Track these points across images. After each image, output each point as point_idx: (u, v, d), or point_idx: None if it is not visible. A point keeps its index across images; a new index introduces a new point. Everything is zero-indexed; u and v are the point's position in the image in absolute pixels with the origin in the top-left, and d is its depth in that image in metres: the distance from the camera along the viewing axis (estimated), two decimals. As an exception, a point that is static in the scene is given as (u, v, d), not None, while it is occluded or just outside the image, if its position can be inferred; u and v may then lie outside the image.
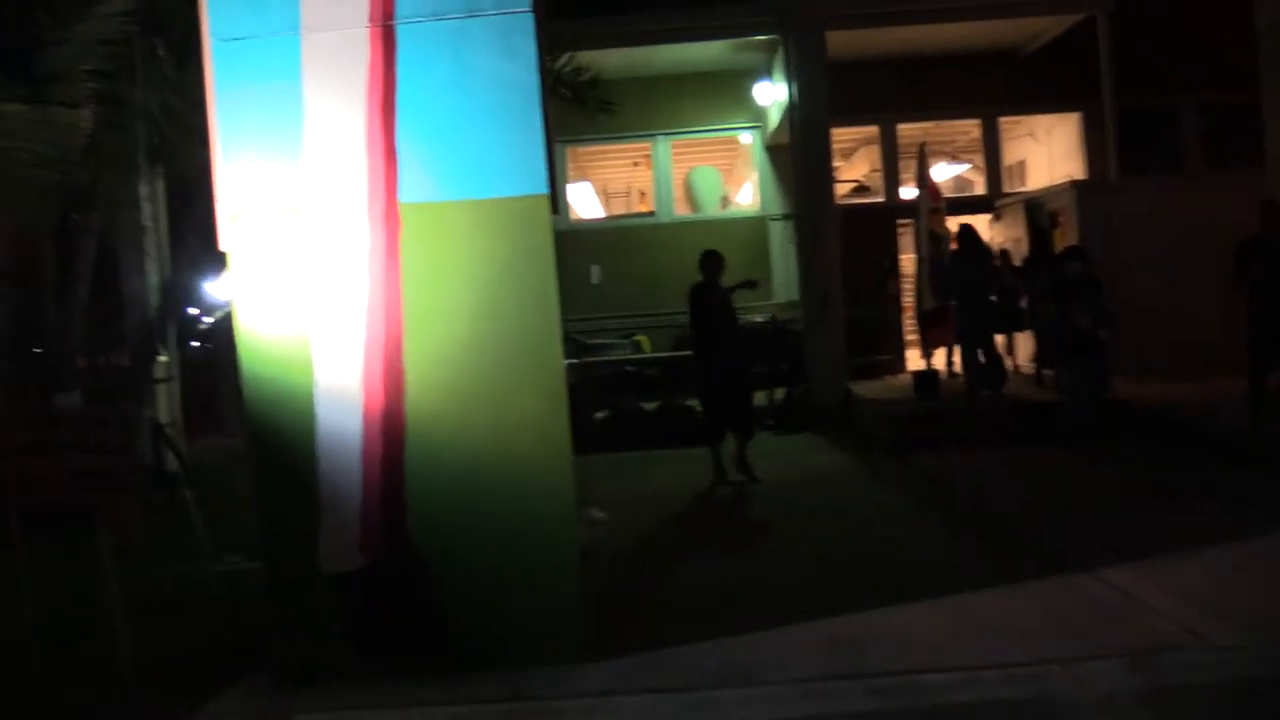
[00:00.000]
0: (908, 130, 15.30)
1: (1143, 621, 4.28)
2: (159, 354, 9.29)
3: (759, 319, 12.80)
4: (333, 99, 4.14)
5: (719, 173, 16.23)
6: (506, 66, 4.12)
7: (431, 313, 4.15)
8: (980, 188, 15.35)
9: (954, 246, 10.25)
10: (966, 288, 9.92)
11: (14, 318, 8.02)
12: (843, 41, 12.03)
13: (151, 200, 9.02)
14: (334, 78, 4.14)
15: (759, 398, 11.79)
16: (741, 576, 5.48)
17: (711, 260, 8.08)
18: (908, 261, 14.64)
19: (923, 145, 11.64)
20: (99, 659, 4.50)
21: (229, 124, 4.18)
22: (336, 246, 4.15)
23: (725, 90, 14.59)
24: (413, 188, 4.15)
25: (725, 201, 16.59)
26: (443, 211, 4.15)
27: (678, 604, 5.06)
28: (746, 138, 15.46)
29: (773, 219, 14.86)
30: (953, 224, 11.12)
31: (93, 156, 7.01)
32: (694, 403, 11.43)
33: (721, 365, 7.97)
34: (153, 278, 11.45)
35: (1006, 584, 4.89)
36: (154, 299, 11.36)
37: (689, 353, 8.91)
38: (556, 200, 4.26)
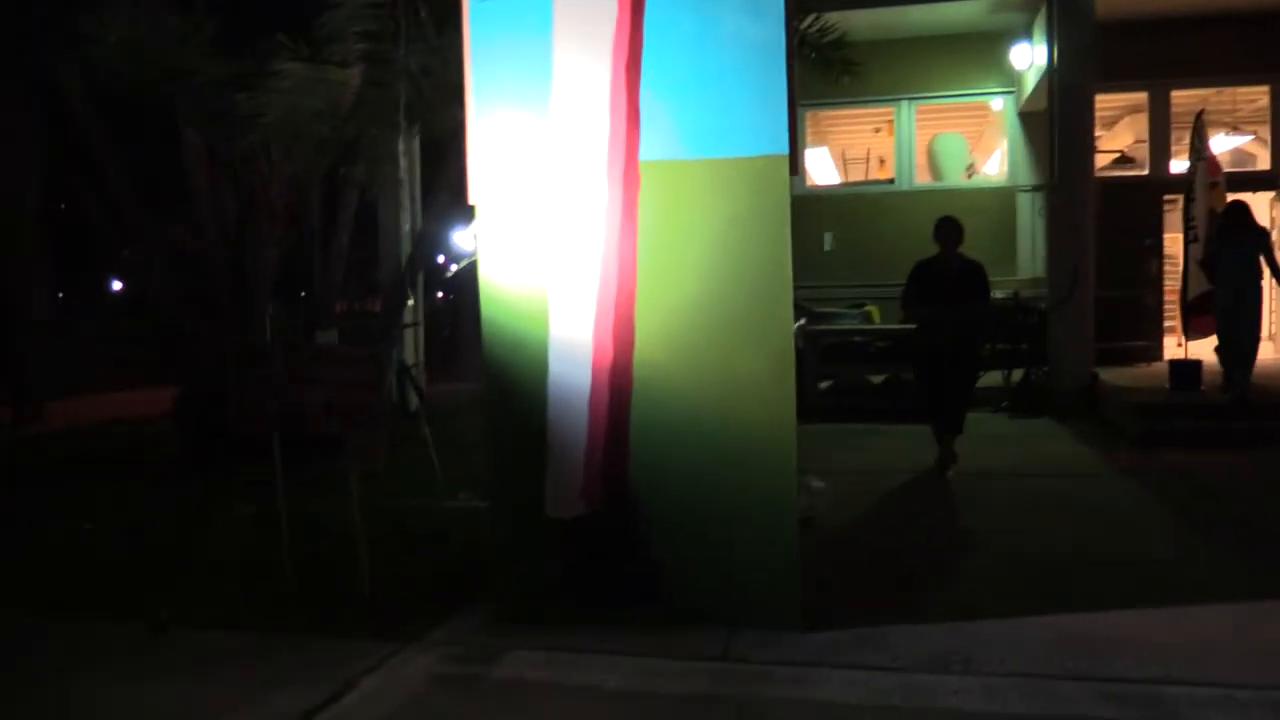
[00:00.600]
0: (1182, 97, 14.06)
1: None
2: (408, 301, 9.87)
3: (1000, 294, 12.18)
4: (581, 57, 4.21)
5: (965, 140, 15.50)
6: (752, 25, 4.06)
7: (665, 269, 4.18)
8: (1264, 162, 13.92)
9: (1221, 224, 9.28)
10: (1230, 271, 9.01)
11: (283, 260, 8.70)
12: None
13: (407, 156, 9.55)
14: (583, 36, 4.21)
15: (994, 378, 11.29)
16: (965, 562, 5.27)
17: (945, 228, 7.30)
18: (1172, 241, 13.54)
19: (1200, 113, 10.67)
20: (344, 580, 4.87)
21: (482, 81, 4.33)
22: (577, 202, 4.24)
23: (978, 53, 13.89)
24: (654, 145, 4.17)
25: (971, 170, 15.84)
26: (682, 170, 4.16)
27: (896, 581, 4.92)
28: (998, 104, 14.68)
29: (1022, 190, 14.07)
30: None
31: (360, 112, 7.48)
32: (918, 377, 11.08)
33: (935, 345, 7.26)
34: (405, 228, 12.20)
35: (1268, 598, 4.46)
36: (406, 248, 12.11)
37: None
38: (796, 161, 4.17)
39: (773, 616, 4.13)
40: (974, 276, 7.33)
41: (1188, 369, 9.72)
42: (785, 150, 4.09)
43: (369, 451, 4.59)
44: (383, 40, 7.32)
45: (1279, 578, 4.81)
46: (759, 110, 4.08)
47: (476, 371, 4.63)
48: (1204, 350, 10.17)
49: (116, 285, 40.88)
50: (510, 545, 4.38)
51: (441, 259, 4.35)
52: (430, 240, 9.61)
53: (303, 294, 10.28)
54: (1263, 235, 9.18)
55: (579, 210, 4.24)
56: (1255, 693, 3.49)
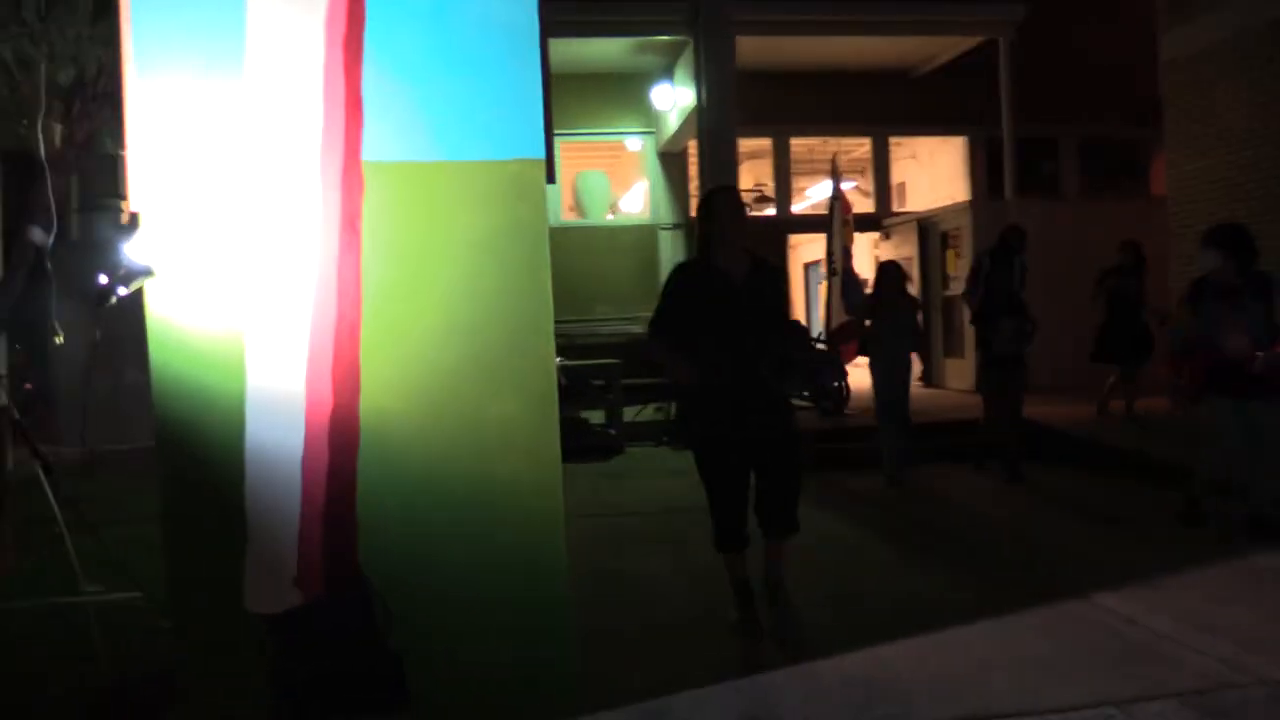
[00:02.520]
0: (799, 144, 15.18)
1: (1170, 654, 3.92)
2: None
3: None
4: (283, 27, 3.35)
5: (607, 178, 15.68)
6: (501, 4, 3.44)
7: (397, 296, 3.41)
8: (866, 206, 15.33)
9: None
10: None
11: None
12: (742, 49, 11.70)
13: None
14: (287, 3, 3.36)
15: (651, 412, 11.31)
16: (661, 612, 4.89)
17: (723, 200, 4.60)
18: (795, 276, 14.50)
19: (834, 157, 11.41)
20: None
21: (146, 47, 3.32)
22: (282, 211, 3.35)
23: (619, 93, 14.11)
24: (379, 144, 3.39)
25: (614, 208, 16.06)
26: (415, 173, 3.42)
27: (667, 641, 4.43)
28: (635, 143, 14.99)
29: (663, 227, 14.41)
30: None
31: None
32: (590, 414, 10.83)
33: (721, 418, 4.37)
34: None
35: (992, 613, 4.50)
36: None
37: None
38: (553, 167, 3.59)
39: (550, 701, 3.46)
40: (773, 285, 4.62)
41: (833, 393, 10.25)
42: (542, 154, 3.49)
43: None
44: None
45: (980, 589, 4.90)
46: (511, 105, 3.45)
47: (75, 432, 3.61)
48: (855, 374, 10.81)
49: None
50: (202, 655, 3.36)
51: (104, 279, 3.32)
52: (14, 274, 7.86)
53: None
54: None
55: (284, 221, 3.36)
56: (1058, 715, 3.39)
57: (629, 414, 10.78)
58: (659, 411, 11.28)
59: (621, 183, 16.43)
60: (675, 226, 14.39)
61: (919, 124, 14.67)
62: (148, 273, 3.14)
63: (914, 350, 8.45)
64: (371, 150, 3.40)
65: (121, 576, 4.77)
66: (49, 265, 4.51)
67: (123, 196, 11.99)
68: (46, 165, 7.66)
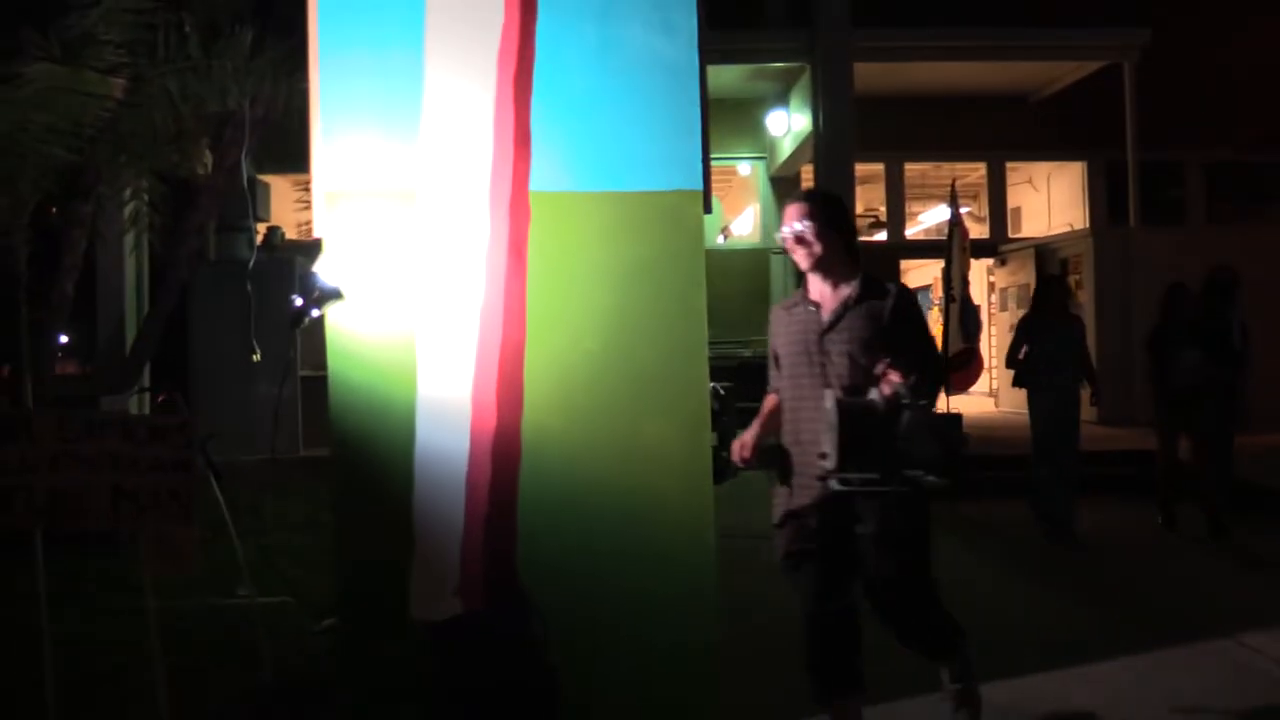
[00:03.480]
0: (912, 169, 15.10)
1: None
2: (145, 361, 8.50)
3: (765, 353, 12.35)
4: (459, 69, 3.56)
5: (719, 202, 15.82)
6: (663, 43, 3.60)
7: (558, 319, 3.58)
8: (980, 232, 15.15)
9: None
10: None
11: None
12: (857, 74, 11.73)
13: (148, 193, 8.27)
14: (462, 46, 3.56)
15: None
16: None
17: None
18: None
19: (953, 182, 11.34)
20: (132, 710, 3.82)
21: (333, 92, 3.57)
22: (453, 237, 3.55)
23: (732, 119, 14.23)
24: (546, 175, 3.58)
25: (726, 232, 16.19)
26: (580, 203, 3.59)
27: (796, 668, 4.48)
28: (746, 168, 15.11)
29: (775, 252, 14.47)
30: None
31: (108, 134, 6.31)
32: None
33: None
34: (130, 279, 10.70)
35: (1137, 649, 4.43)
36: (132, 300, 10.58)
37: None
38: (709, 198, 3.73)
39: (695, 716, 3.57)
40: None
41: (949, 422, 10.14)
42: (699, 186, 3.63)
43: (175, 550, 3.61)
44: (139, 53, 6.24)
45: (1134, 630, 4.83)
46: (670, 139, 3.60)
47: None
48: (964, 403, 10.71)
49: None
50: (367, 655, 3.55)
51: (299, 300, 3.56)
52: (175, 289, 8.34)
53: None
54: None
55: (455, 246, 3.55)
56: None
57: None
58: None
59: (732, 207, 16.56)
60: (785, 251, 14.45)
61: (1036, 148, 14.48)
62: (338, 295, 3.36)
63: (1081, 381, 7.29)
64: (538, 181, 3.58)
65: (273, 581, 5.04)
66: (249, 286, 4.76)
67: (258, 219, 12.53)
68: (202, 190, 8.13)
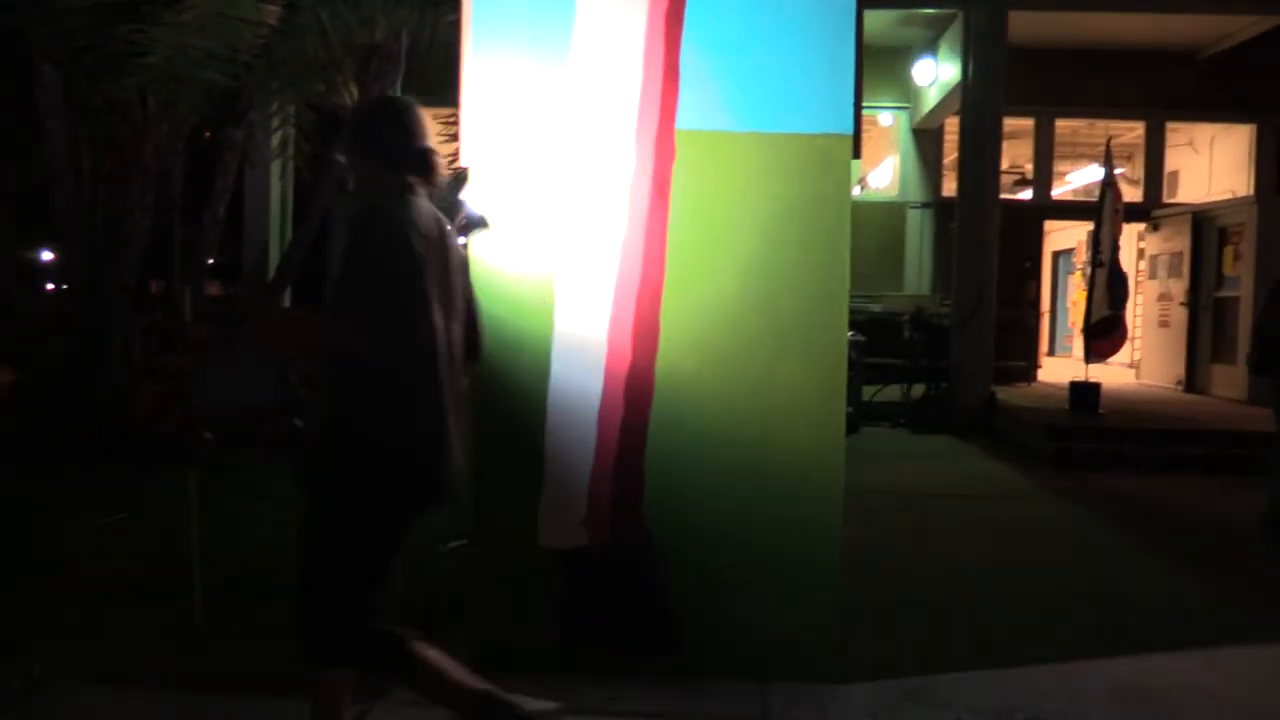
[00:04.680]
0: (1062, 126, 14.42)
1: None
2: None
3: (897, 309, 12.10)
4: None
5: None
6: (821, -22, 3.48)
7: (700, 261, 3.54)
8: (1132, 195, 14.39)
9: None
10: None
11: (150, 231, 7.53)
12: (1012, 24, 11.17)
13: (294, 121, 8.51)
14: (615, -25, 3.52)
15: (892, 392, 11.13)
16: (961, 598, 4.81)
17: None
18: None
19: (1108, 141, 10.79)
20: (264, 614, 4.00)
21: (485, 17, 3.57)
22: (597, 172, 3.54)
23: (876, 66, 13.77)
24: (693, 113, 3.52)
25: (861, 183, 15.80)
26: (725, 143, 3.53)
27: (927, 620, 4.42)
28: (887, 119, 14.67)
29: (912, 206, 14.08)
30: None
31: (262, 61, 6.50)
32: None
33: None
34: (276, 205, 11.05)
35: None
36: (275, 226, 10.95)
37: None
38: (859, 143, 3.62)
39: (807, 666, 3.55)
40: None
41: (1089, 391, 9.77)
42: (850, 129, 3.53)
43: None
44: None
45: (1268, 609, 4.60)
46: (822, 81, 3.50)
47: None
48: (1102, 373, 10.28)
49: None
50: (497, 580, 3.64)
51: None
52: (317, 216, 8.59)
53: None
54: None
55: (599, 182, 3.55)
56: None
57: (867, 393, 10.66)
58: (903, 393, 11.09)
59: (870, 158, 16.13)
60: (925, 205, 14.04)
61: (1201, 108, 13.60)
62: (484, 223, 3.39)
63: None
64: (685, 119, 3.53)
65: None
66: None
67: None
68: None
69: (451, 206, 3.41)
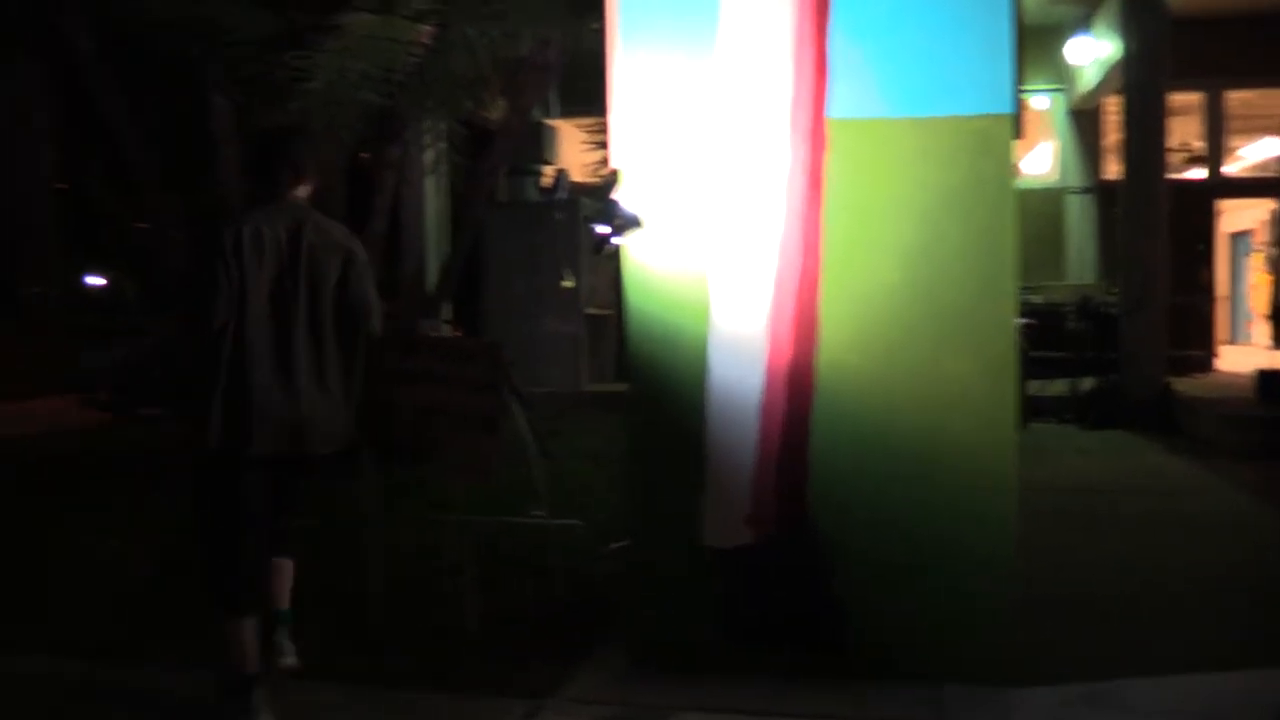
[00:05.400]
0: (1233, 98, 13.57)
1: None
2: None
3: (1059, 300, 11.59)
4: (758, -9, 3.49)
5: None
6: (973, -47, 3.36)
7: (858, 251, 3.46)
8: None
9: None
10: None
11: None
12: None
13: (446, 137, 8.76)
14: (761, -36, 3.49)
15: (1059, 386, 10.65)
16: (1141, 597, 4.55)
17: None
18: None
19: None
20: (439, 615, 4.12)
21: (631, 16, 3.59)
22: (749, 166, 3.51)
23: (1028, 48, 13.27)
24: (844, 101, 3.45)
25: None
26: (881, 130, 3.44)
27: (1080, 620, 4.21)
28: (1041, 102, 14.10)
29: (1072, 191, 13.47)
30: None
31: (415, 80, 6.72)
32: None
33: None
34: (431, 218, 11.42)
35: None
36: (434, 238, 11.31)
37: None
38: (1020, 122, 3.47)
39: (981, 668, 3.42)
40: None
41: (1278, 380, 9.13)
42: (1010, 109, 3.39)
43: (478, 461, 3.83)
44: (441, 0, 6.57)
45: None
46: (977, 59, 3.38)
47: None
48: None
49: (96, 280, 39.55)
50: (657, 578, 3.64)
51: (601, 229, 3.69)
52: (473, 230, 8.82)
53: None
54: None
55: (751, 176, 3.51)
56: None
57: (1032, 388, 10.22)
58: (1069, 386, 10.60)
59: (1024, 143, 15.56)
60: (1085, 190, 13.42)
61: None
62: (637, 222, 3.41)
63: None
64: (835, 108, 3.46)
65: (564, 504, 5.24)
66: (556, 216, 4.96)
67: (546, 162, 13.02)
68: (497, 134, 8.53)
69: (605, 208, 3.45)
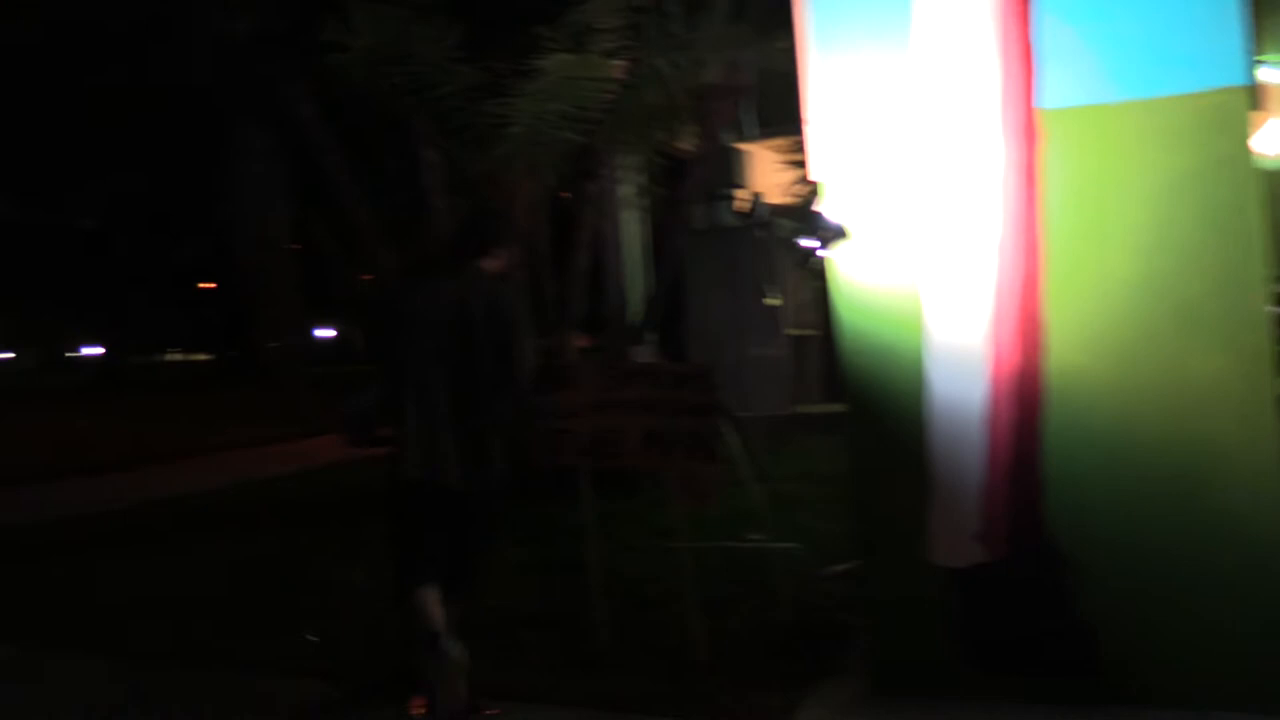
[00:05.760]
0: None
1: None
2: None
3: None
4: (956, -16, 3.37)
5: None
6: (1193, -84, 3.13)
7: (1082, 247, 3.26)
8: None
9: None
10: None
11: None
12: None
13: (643, 168, 8.92)
14: (956, -45, 3.37)
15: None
16: None
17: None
18: None
19: None
20: (662, 639, 4.14)
21: (822, 25, 3.54)
22: (956, 167, 3.38)
23: (1262, 14, 12.28)
24: (1056, 89, 3.27)
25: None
26: (1096, 117, 3.24)
27: None
28: (1271, 74, 12.97)
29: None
30: None
31: (611, 116, 6.88)
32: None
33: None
34: (631, 250, 11.61)
35: None
36: (635, 271, 11.51)
37: None
38: (1258, 95, 3.20)
39: (1251, 696, 3.11)
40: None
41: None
42: (1245, 80, 3.12)
43: (699, 486, 3.83)
44: (630, 36, 6.71)
45: None
46: (1206, 29, 3.13)
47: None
48: None
49: (324, 332, 42.38)
50: (889, 599, 3.52)
51: (806, 242, 3.70)
52: (674, 258, 8.91)
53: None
54: None
55: (959, 177, 3.38)
56: None
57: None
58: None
59: (1259, 118, 14.37)
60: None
61: None
62: (843, 233, 3.34)
63: None
64: (1047, 97, 3.28)
65: (782, 526, 5.17)
66: (756, 234, 4.99)
67: (739, 185, 13.06)
68: (691, 162, 8.62)
69: (809, 221, 3.40)
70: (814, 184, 3.62)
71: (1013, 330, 3.31)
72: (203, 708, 3.90)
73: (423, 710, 3.46)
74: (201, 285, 37.50)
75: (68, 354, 53.97)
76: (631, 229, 12.13)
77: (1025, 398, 3.31)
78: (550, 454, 4.01)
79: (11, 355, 52.66)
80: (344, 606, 5.03)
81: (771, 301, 4.95)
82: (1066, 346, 3.26)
